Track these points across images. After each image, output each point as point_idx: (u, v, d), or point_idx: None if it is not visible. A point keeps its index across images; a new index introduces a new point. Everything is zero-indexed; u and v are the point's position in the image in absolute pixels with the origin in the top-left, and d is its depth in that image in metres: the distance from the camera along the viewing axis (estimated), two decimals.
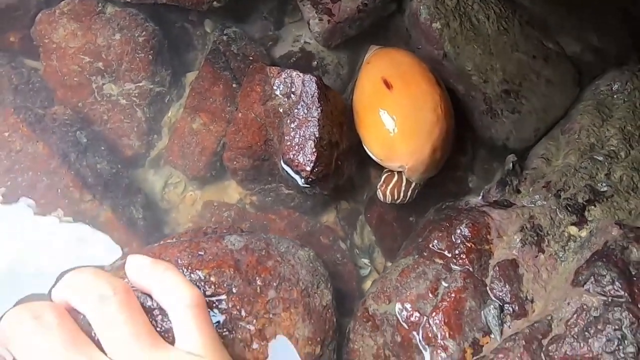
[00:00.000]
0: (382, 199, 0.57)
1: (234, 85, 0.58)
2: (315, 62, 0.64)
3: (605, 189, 0.51)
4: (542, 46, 0.70)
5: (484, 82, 0.65)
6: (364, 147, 0.57)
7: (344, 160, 0.54)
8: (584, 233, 0.47)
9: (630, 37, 0.76)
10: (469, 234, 0.48)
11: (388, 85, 0.51)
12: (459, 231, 0.49)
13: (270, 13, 0.67)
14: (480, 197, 0.55)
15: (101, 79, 0.57)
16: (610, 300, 0.40)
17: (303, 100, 0.49)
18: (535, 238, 0.47)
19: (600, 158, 0.54)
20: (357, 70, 0.64)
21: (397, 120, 0.51)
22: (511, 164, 0.55)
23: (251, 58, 0.61)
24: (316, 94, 0.48)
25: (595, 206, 0.49)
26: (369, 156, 0.57)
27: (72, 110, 0.55)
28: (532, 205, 0.51)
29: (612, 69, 0.68)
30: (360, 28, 0.65)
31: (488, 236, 0.48)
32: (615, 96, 0.61)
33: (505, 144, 0.65)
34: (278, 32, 0.67)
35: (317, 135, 0.49)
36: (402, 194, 0.56)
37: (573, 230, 0.48)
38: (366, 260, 0.58)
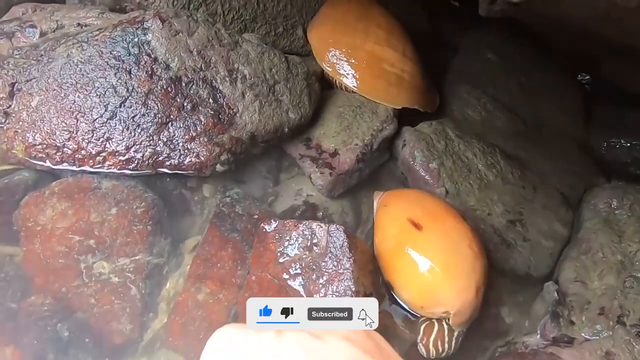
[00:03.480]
0: (425, 355, 0.48)
1: (244, 247, 0.53)
2: (321, 213, 0.62)
3: None
4: (526, 177, 0.73)
5: (488, 214, 0.65)
6: (394, 295, 0.50)
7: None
8: None
9: (594, 164, 0.82)
10: None
11: (417, 225, 0.48)
12: None
13: (269, 171, 0.66)
14: (539, 336, 0.48)
15: (91, 258, 0.50)
16: None
17: (330, 252, 0.44)
18: None
19: None
20: (366, 216, 0.62)
21: (434, 262, 0.46)
22: (555, 292, 0.50)
23: (256, 217, 0.57)
24: (345, 243, 0.44)
25: None
26: (398, 305, 0.50)
27: (52, 299, 0.46)
28: (597, 337, 0.45)
29: (595, 189, 0.71)
30: (360, 177, 0.65)
31: None
32: (617, 212, 0.61)
33: (529, 272, 0.61)
34: (277, 188, 0.66)
35: (353, 289, 0.42)
36: (446, 345, 0.48)
37: None
38: None
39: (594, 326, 0.46)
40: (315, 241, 0.46)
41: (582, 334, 0.46)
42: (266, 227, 0.52)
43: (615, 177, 0.80)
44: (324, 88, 0.71)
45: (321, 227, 0.46)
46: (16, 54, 0.57)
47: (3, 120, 0.55)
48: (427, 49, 0.82)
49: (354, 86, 0.69)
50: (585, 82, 1.01)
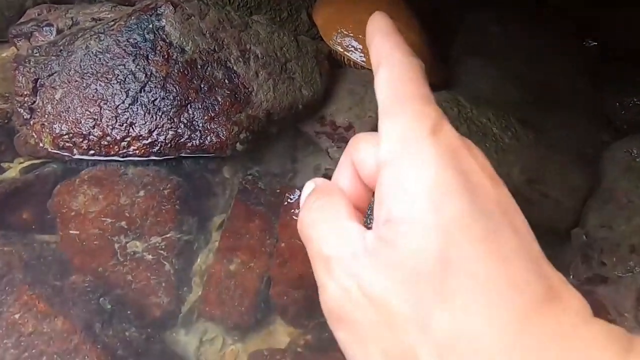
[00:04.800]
0: None
1: (271, 218, 0.54)
2: None
3: None
4: (541, 138, 0.74)
5: (507, 175, 0.66)
6: None
7: None
8: None
9: (608, 124, 0.83)
10: None
11: None
12: None
13: (285, 150, 0.68)
14: (572, 277, 0.49)
15: (124, 238, 0.52)
16: None
17: None
18: None
19: None
20: None
21: None
22: (583, 236, 0.51)
23: (279, 191, 0.59)
24: None
25: None
26: None
27: (92, 277, 0.48)
28: (631, 273, 0.45)
29: (613, 143, 0.71)
30: None
31: (608, 316, 0.41)
32: (638, 159, 0.62)
33: (553, 226, 0.62)
34: (295, 165, 0.68)
35: None
36: None
37: None
38: None
39: (627, 263, 0.47)
40: None
41: (615, 273, 0.47)
42: (290, 196, 0.53)
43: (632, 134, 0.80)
44: (332, 67, 0.73)
45: None
46: (36, 53, 0.59)
47: (28, 117, 0.58)
48: (428, 28, 0.83)
49: (362, 61, 0.71)
50: (590, 46, 1.02)
